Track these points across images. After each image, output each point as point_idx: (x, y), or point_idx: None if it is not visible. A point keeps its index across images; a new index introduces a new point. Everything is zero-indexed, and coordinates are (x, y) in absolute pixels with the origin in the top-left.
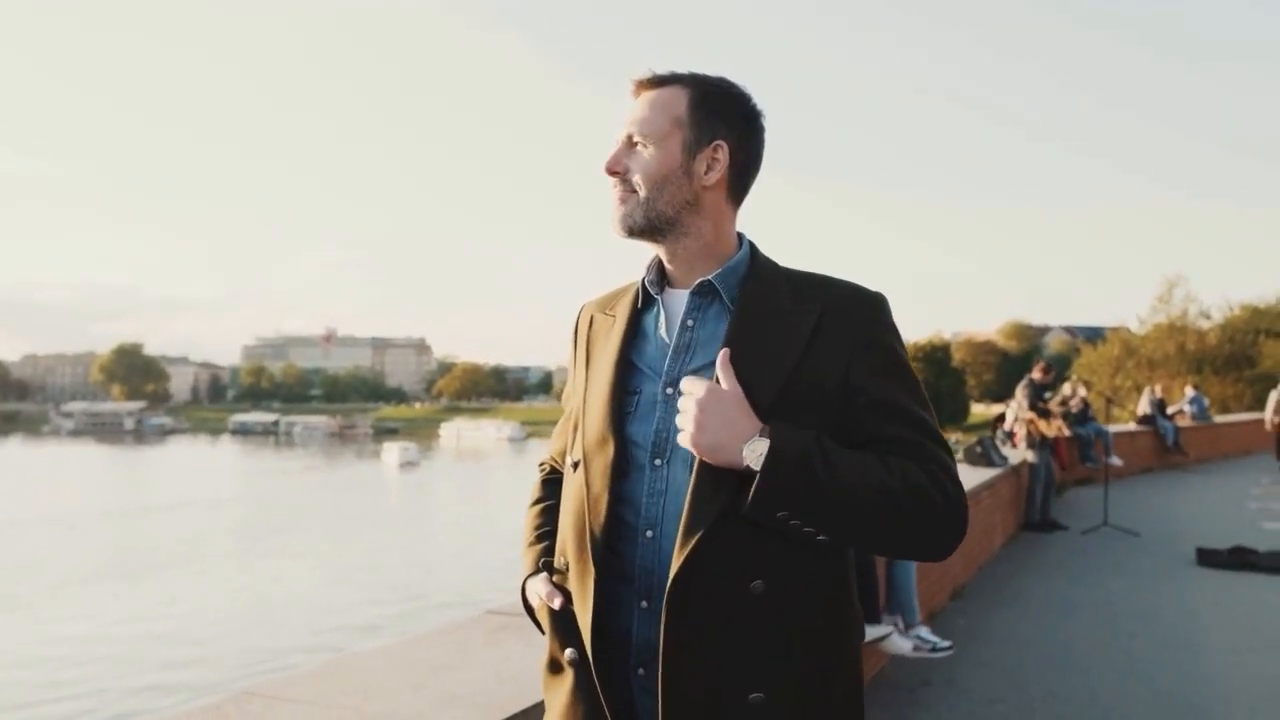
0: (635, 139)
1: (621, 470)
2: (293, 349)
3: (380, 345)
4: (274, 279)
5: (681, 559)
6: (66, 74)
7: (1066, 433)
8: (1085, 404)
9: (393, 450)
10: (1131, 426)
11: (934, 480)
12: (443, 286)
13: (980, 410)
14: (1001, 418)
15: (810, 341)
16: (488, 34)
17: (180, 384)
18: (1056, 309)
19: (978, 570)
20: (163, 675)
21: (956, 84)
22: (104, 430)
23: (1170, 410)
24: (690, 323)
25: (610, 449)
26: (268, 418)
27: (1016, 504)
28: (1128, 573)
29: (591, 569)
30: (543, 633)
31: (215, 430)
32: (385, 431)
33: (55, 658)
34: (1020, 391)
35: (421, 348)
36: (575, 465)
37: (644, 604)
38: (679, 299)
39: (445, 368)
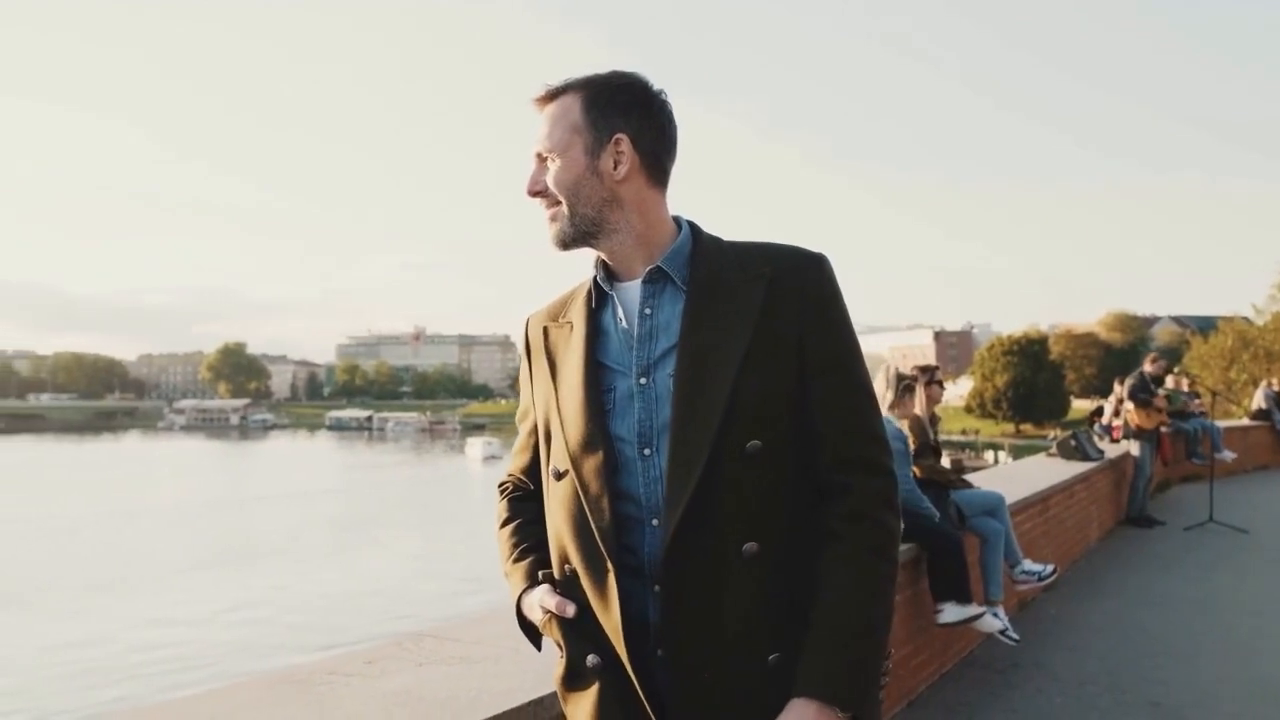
0: (544, 155)
1: (614, 467)
2: (384, 347)
3: (466, 343)
4: (364, 279)
5: (670, 533)
6: (178, 77)
7: (1167, 426)
8: (1193, 396)
9: (476, 445)
10: (1245, 421)
11: (873, 541)
12: (525, 285)
13: (1083, 405)
14: (1100, 411)
15: (764, 305)
16: (570, 33)
17: (280, 381)
18: (1165, 298)
19: (1071, 563)
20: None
21: (1062, 72)
22: (212, 426)
23: None
24: (648, 310)
25: (600, 449)
26: (362, 414)
27: (1115, 498)
28: (1231, 568)
29: (610, 567)
30: (538, 650)
31: (313, 426)
32: (473, 427)
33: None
34: (1129, 381)
35: (506, 345)
36: (561, 474)
37: (657, 588)
38: (632, 290)
39: None
